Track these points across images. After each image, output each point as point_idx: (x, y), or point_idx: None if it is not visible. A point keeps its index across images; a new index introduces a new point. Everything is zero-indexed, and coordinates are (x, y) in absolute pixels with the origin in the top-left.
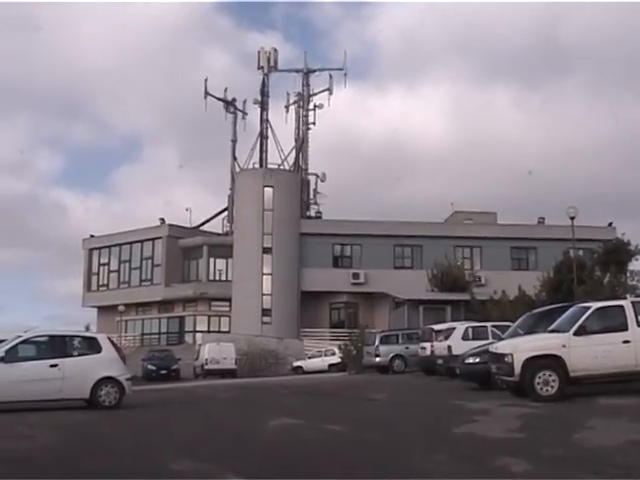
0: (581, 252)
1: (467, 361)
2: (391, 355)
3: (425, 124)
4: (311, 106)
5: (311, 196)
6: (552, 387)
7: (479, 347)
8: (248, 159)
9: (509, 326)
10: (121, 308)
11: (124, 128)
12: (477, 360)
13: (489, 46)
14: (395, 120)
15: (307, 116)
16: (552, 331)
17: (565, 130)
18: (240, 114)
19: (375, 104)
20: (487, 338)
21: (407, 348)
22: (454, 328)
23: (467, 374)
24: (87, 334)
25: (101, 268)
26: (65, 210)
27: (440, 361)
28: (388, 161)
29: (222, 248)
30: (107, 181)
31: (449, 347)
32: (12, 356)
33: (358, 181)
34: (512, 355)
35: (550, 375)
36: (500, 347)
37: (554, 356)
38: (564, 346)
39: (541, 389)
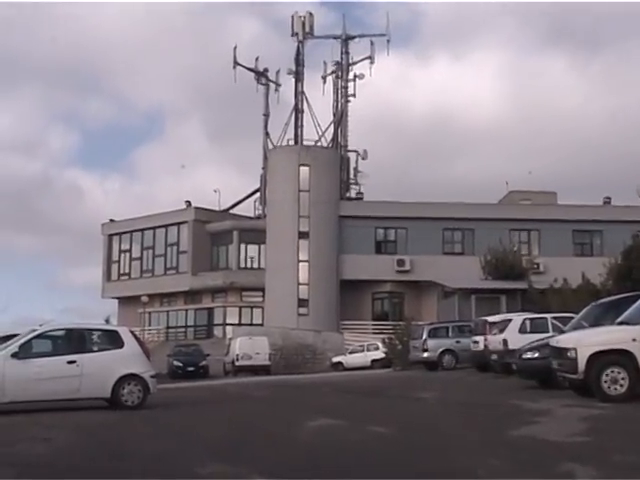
0: None
1: (525, 356)
2: (440, 350)
3: (476, 95)
4: (350, 76)
5: (351, 175)
6: (621, 386)
7: (538, 341)
8: (282, 135)
9: (572, 318)
10: (144, 299)
11: (145, 103)
12: (536, 355)
13: (545, 5)
14: (442, 91)
15: (346, 87)
16: (620, 323)
17: (633, 98)
18: (273, 86)
19: (421, 74)
20: (547, 331)
21: (458, 342)
22: (510, 320)
23: (525, 371)
24: (108, 327)
25: (122, 255)
26: (81, 193)
27: (495, 356)
28: (435, 137)
29: (254, 233)
30: (127, 161)
31: (505, 341)
32: (26, 352)
33: (403, 159)
34: (575, 350)
35: (619, 372)
36: (562, 341)
37: (623, 351)
38: (634, 340)
39: (609, 388)
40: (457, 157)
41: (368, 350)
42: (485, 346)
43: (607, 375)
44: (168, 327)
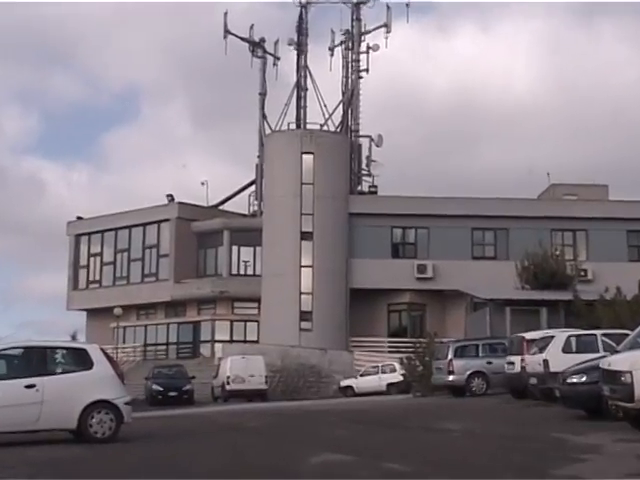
0: None
1: (570, 381)
2: (469, 372)
3: (508, 72)
4: (363, 48)
5: (363, 165)
6: None
7: (586, 362)
8: (281, 118)
9: (626, 335)
10: (117, 311)
11: (118, 80)
12: (583, 379)
13: None
14: (469, 67)
15: (358, 61)
16: None
17: None
18: (270, 59)
19: (444, 46)
20: (596, 350)
21: (489, 363)
22: (552, 337)
23: (570, 398)
24: (74, 345)
25: (91, 260)
26: (43, 185)
27: (533, 380)
28: (462, 120)
29: (248, 233)
30: (96, 148)
31: (545, 362)
32: None
33: (424, 146)
34: (631, 373)
35: None
36: (615, 362)
37: None
38: None
39: None
40: (488, 144)
41: (383, 372)
42: (522, 368)
43: None
44: (146, 344)
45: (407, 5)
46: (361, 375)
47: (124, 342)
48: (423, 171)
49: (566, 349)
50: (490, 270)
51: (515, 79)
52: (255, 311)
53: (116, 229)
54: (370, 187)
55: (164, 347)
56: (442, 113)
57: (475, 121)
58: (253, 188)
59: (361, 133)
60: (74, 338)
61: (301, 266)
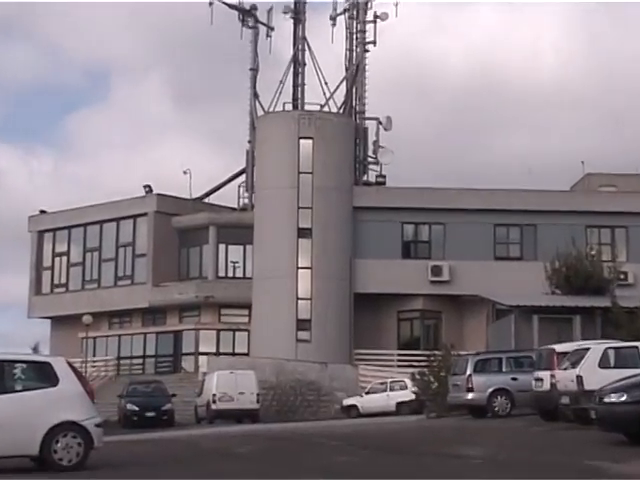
0: None
1: (608, 400)
2: (490, 390)
3: (535, 46)
4: (369, 17)
5: (370, 152)
6: None
7: (626, 379)
8: (276, 97)
9: None
10: (87, 319)
11: (86, 54)
12: (623, 399)
13: None
14: (491, 40)
15: (364, 32)
16: None
17: None
18: (263, 30)
19: (462, 16)
20: (638, 365)
21: (514, 379)
22: (587, 350)
23: (608, 420)
24: (36, 358)
25: (56, 260)
26: None
27: (566, 399)
28: (482, 100)
29: (238, 230)
30: (61, 132)
31: (579, 378)
32: None
33: (439, 130)
34: None
35: None
36: None
37: None
38: None
39: None
40: (512, 128)
41: (392, 389)
42: (552, 385)
43: None
44: (119, 357)
45: None
46: (367, 393)
47: (94, 355)
48: (438, 159)
49: (603, 364)
50: (515, 272)
51: (544, 56)
52: (245, 319)
53: (85, 225)
54: (378, 177)
55: (140, 360)
56: (460, 93)
57: (498, 102)
58: (243, 178)
59: (367, 115)
60: (36, 350)
61: (298, 268)
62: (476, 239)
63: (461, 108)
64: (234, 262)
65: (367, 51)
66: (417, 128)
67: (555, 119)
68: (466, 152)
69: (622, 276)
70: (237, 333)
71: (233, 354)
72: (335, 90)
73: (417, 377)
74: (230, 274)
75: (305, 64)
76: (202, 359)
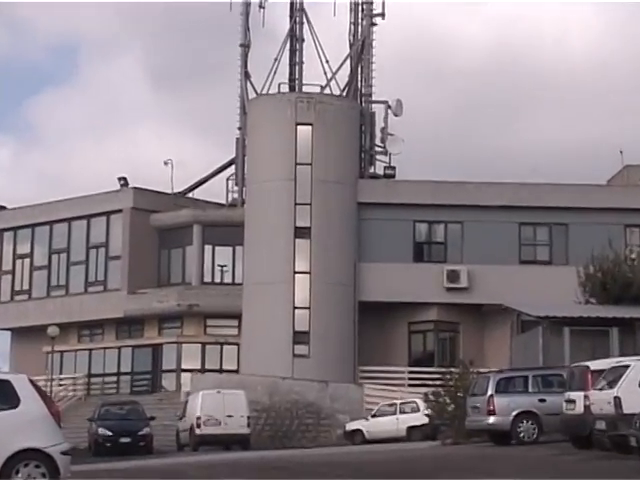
0: None
1: None
2: (515, 413)
3: (563, 20)
4: None
5: (377, 140)
6: None
7: None
8: (270, 77)
9: None
10: (53, 331)
11: (50, 29)
12: None
13: None
14: (513, 13)
15: (371, 3)
16: None
17: None
18: (256, 0)
19: None
20: None
21: (542, 401)
22: (626, 367)
23: None
24: None
25: (18, 263)
26: None
27: (601, 424)
28: (504, 81)
29: (226, 229)
30: (21, 117)
31: (617, 400)
32: None
33: (455, 114)
34: None
35: None
36: None
37: None
38: None
39: None
40: (540, 114)
41: (402, 412)
42: (586, 408)
43: None
44: (90, 375)
45: None
46: (373, 416)
47: (61, 372)
48: (456, 148)
49: None
50: (543, 278)
51: (575, 31)
52: (234, 331)
53: (51, 223)
54: (386, 169)
55: (114, 378)
56: (480, 73)
57: (524, 85)
58: (232, 170)
59: (374, 98)
60: None
61: (295, 272)
62: (499, 240)
63: (482, 90)
64: (222, 266)
65: (374, 25)
66: (431, 113)
67: (589, 103)
68: (487, 141)
69: None
70: (225, 347)
71: (220, 371)
72: (338, 69)
73: (431, 398)
74: (217, 279)
75: (303, 40)
76: (185, 377)
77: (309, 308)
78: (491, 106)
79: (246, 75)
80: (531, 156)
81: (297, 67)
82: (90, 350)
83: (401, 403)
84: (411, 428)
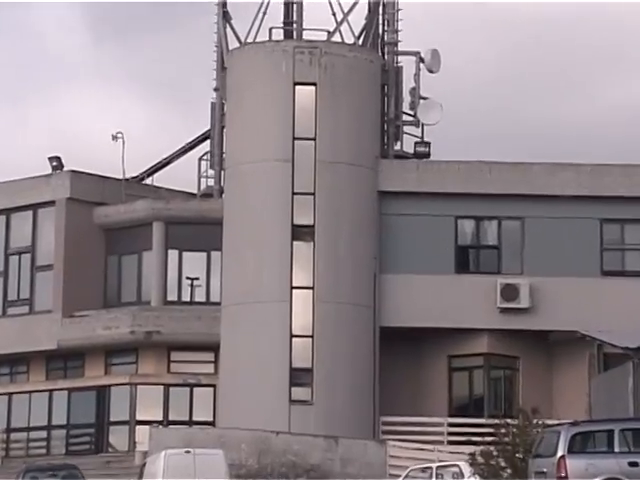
0: None
1: None
2: None
3: None
4: None
5: (405, 106)
6: None
7: None
8: (257, 20)
9: None
10: None
11: None
12: None
13: None
14: None
15: None
16: None
17: None
18: None
19: None
20: None
21: (634, 465)
22: None
23: None
24: None
25: None
26: None
27: None
28: (576, 33)
29: (198, 228)
30: None
31: None
32: None
33: (512, 73)
34: None
35: None
36: None
37: None
38: None
39: None
40: (624, 73)
41: (440, 478)
42: None
43: None
44: (10, 429)
45: None
46: None
47: None
48: (512, 118)
49: None
50: (635, 296)
51: None
52: (210, 368)
53: None
54: (417, 145)
55: (43, 434)
56: (545, 20)
57: (601, 37)
58: (207, 147)
59: (401, 49)
60: None
61: (293, 287)
62: (573, 243)
63: (546, 42)
64: (192, 278)
65: None
66: (479, 70)
67: None
68: (554, 108)
69: None
70: (196, 390)
71: (190, 423)
72: (351, 9)
73: (479, 460)
74: (186, 297)
75: None
76: (141, 431)
77: (312, 337)
78: (558, 62)
79: (225, 18)
80: (617, 128)
81: (294, 6)
82: (10, 395)
83: (438, 467)
84: None
